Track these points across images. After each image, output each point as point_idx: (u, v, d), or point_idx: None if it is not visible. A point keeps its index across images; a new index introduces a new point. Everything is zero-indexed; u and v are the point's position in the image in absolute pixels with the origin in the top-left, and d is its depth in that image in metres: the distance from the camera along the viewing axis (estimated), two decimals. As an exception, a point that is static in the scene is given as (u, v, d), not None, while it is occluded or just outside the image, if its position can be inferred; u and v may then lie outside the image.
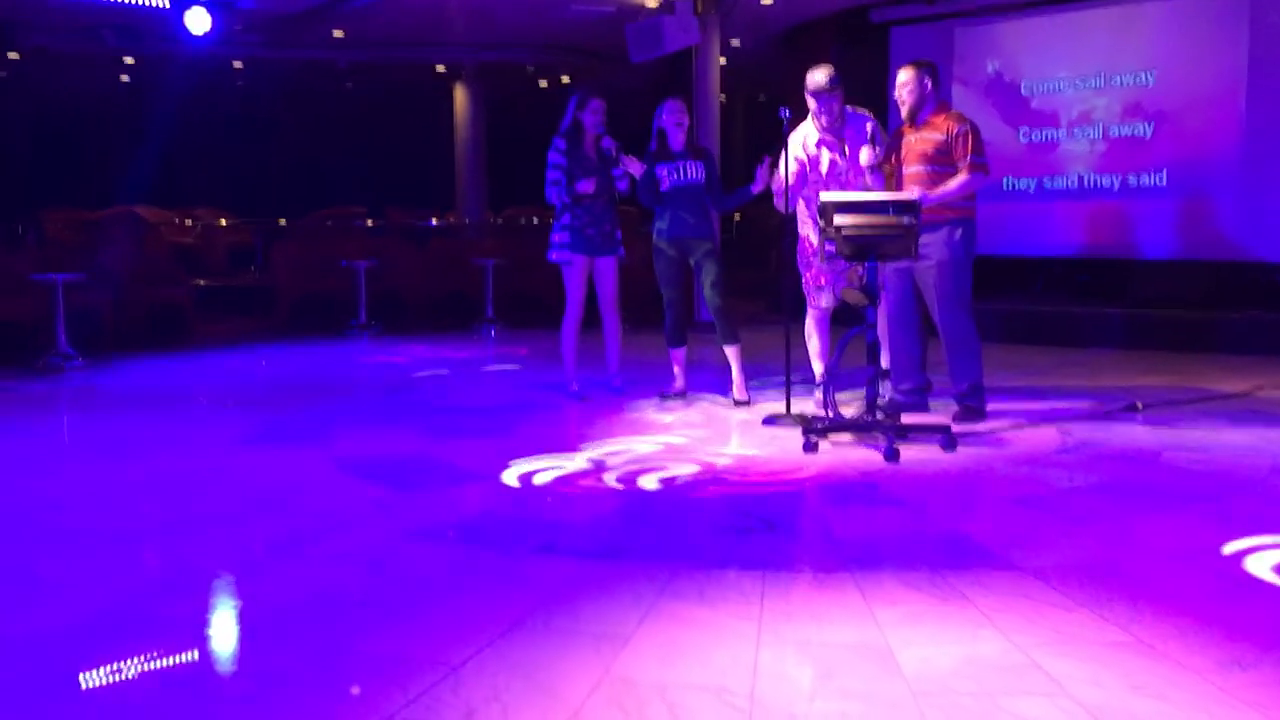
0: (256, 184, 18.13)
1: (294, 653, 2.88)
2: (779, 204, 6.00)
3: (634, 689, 2.60)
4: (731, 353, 6.41)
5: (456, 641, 2.88)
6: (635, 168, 6.33)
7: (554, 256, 6.52)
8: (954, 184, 5.54)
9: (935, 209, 5.55)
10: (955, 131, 5.60)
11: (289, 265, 11.28)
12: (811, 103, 5.91)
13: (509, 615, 3.05)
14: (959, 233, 5.63)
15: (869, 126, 5.92)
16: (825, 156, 5.94)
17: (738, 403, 6.34)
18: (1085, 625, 2.96)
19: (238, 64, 15.31)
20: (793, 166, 5.93)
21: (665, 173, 6.33)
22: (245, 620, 3.19)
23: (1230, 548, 3.58)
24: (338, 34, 12.92)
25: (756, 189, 6.20)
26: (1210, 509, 4.09)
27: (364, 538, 3.92)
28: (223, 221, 15.98)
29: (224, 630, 3.13)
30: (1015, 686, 2.59)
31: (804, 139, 6.00)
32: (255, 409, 6.64)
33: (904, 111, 5.80)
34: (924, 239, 5.52)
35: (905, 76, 5.78)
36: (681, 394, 6.57)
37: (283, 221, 14.72)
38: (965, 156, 5.55)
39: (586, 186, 6.32)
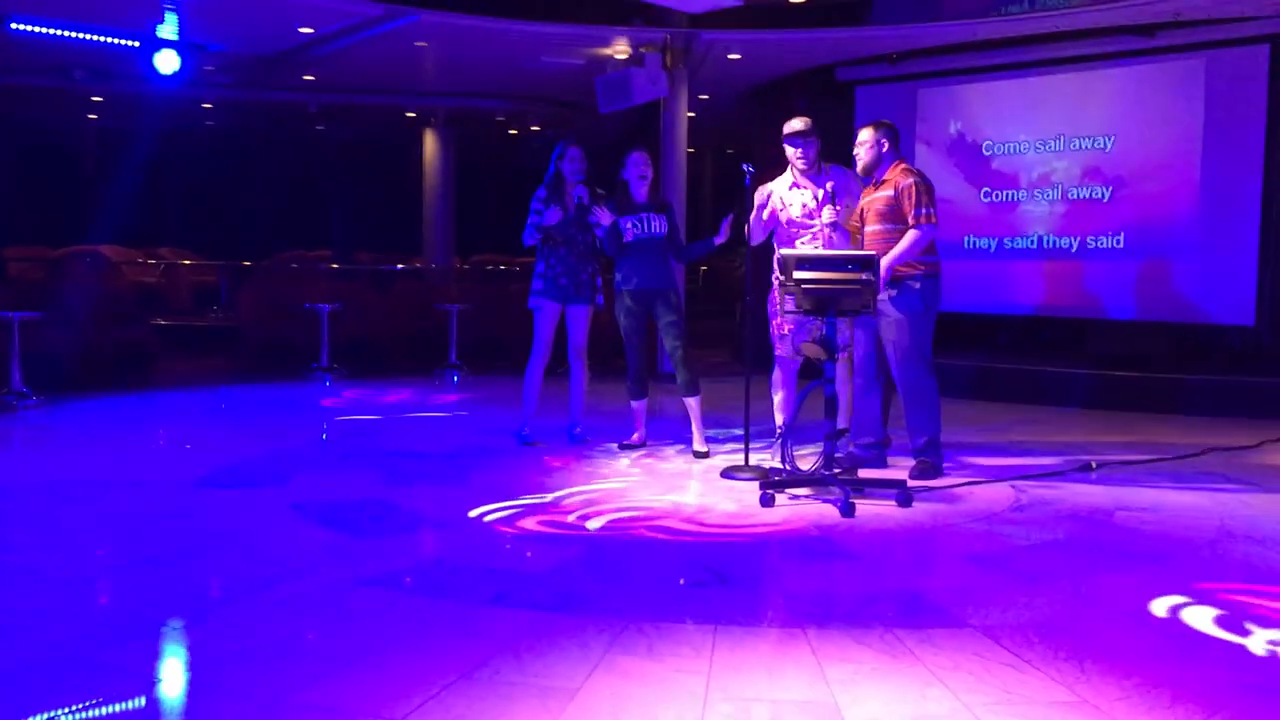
0: (224, 225, 18.06)
1: (231, 703, 2.83)
2: (752, 238, 6.03)
3: (579, 744, 2.58)
4: (691, 404, 6.43)
5: (400, 694, 2.84)
6: (604, 217, 6.37)
7: (530, 302, 6.61)
8: (903, 244, 5.60)
9: (901, 264, 5.62)
10: (901, 186, 5.69)
11: (253, 307, 11.23)
12: (789, 149, 6.00)
13: (456, 667, 3.02)
14: (919, 287, 5.69)
15: (833, 185, 5.94)
16: (798, 200, 6.00)
17: (697, 454, 6.34)
18: (1033, 685, 2.96)
19: (207, 105, 15.32)
20: (768, 209, 6.00)
21: (629, 225, 6.38)
22: (186, 667, 3.13)
23: (1173, 605, 3.61)
24: (308, 78, 12.97)
25: (720, 240, 6.27)
26: (1159, 569, 4.12)
27: (316, 584, 3.88)
28: (187, 262, 15.89)
29: (164, 677, 3.07)
30: (961, 746, 2.59)
31: (779, 187, 6.07)
32: (212, 451, 6.57)
33: (859, 169, 5.91)
34: (885, 294, 5.59)
35: (864, 136, 5.89)
36: (641, 444, 6.57)
37: (248, 263, 14.66)
38: (911, 211, 5.63)
39: (553, 216, 6.39)
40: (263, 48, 11.41)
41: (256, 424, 7.72)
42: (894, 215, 5.70)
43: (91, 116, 16.30)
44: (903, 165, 5.85)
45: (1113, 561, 4.25)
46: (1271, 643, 3.30)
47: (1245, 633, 3.37)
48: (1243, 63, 9.23)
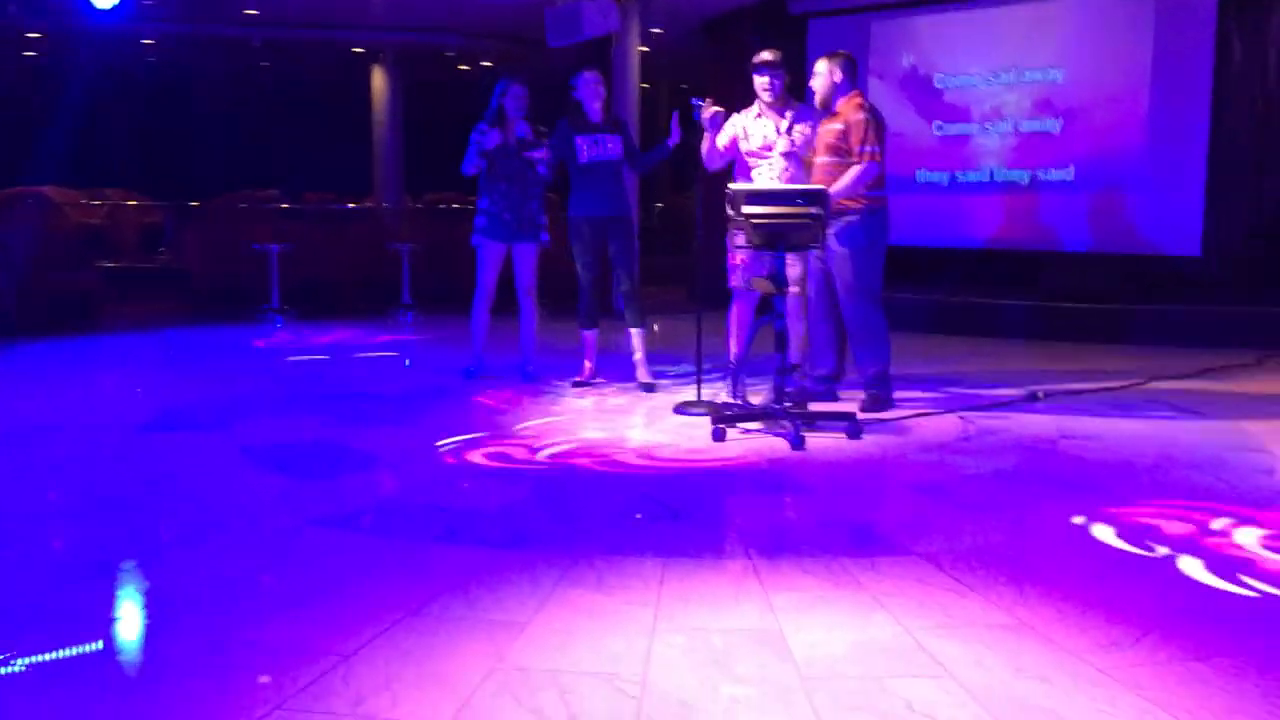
0: (169, 165, 17.68)
1: (184, 642, 2.82)
2: (708, 163, 6.00)
3: (527, 676, 2.60)
4: (636, 336, 6.45)
5: (351, 631, 2.85)
6: (542, 155, 6.36)
7: (473, 239, 6.54)
8: (847, 179, 5.59)
9: (846, 199, 5.63)
10: (851, 120, 5.68)
11: (200, 248, 11.08)
12: (756, 79, 5.95)
13: (405, 604, 3.04)
14: (865, 222, 5.70)
15: (792, 116, 5.93)
16: (759, 131, 5.96)
17: (643, 385, 6.38)
18: (973, 609, 3.03)
19: (148, 41, 14.92)
20: (727, 136, 5.97)
21: (584, 145, 6.33)
22: (138, 609, 3.12)
23: (1111, 529, 3.69)
24: (251, 11, 12.66)
25: (673, 142, 6.23)
26: (1099, 495, 4.20)
27: (265, 526, 3.86)
28: (132, 203, 15.57)
29: (116, 619, 3.06)
30: (902, 669, 2.65)
31: (743, 118, 6.04)
32: (161, 394, 6.50)
33: (816, 101, 5.89)
34: (833, 229, 5.60)
35: (818, 68, 5.87)
36: (592, 380, 6.57)
37: (195, 204, 14.38)
38: (856, 147, 5.62)
39: (493, 139, 6.36)
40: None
41: (206, 367, 7.64)
42: (844, 148, 5.69)
43: (29, 54, 15.84)
44: (857, 99, 5.82)
45: (1055, 489, 4.33)
46: (1202, 564, 3.38)
47: (1178, 553, 3.46)
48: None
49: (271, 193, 15.58)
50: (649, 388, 6.37)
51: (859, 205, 5.69)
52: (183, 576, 3.34)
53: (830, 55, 5.90)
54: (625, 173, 6.51)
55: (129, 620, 3.06)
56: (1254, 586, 3.17)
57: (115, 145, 17.82)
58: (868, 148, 5.61)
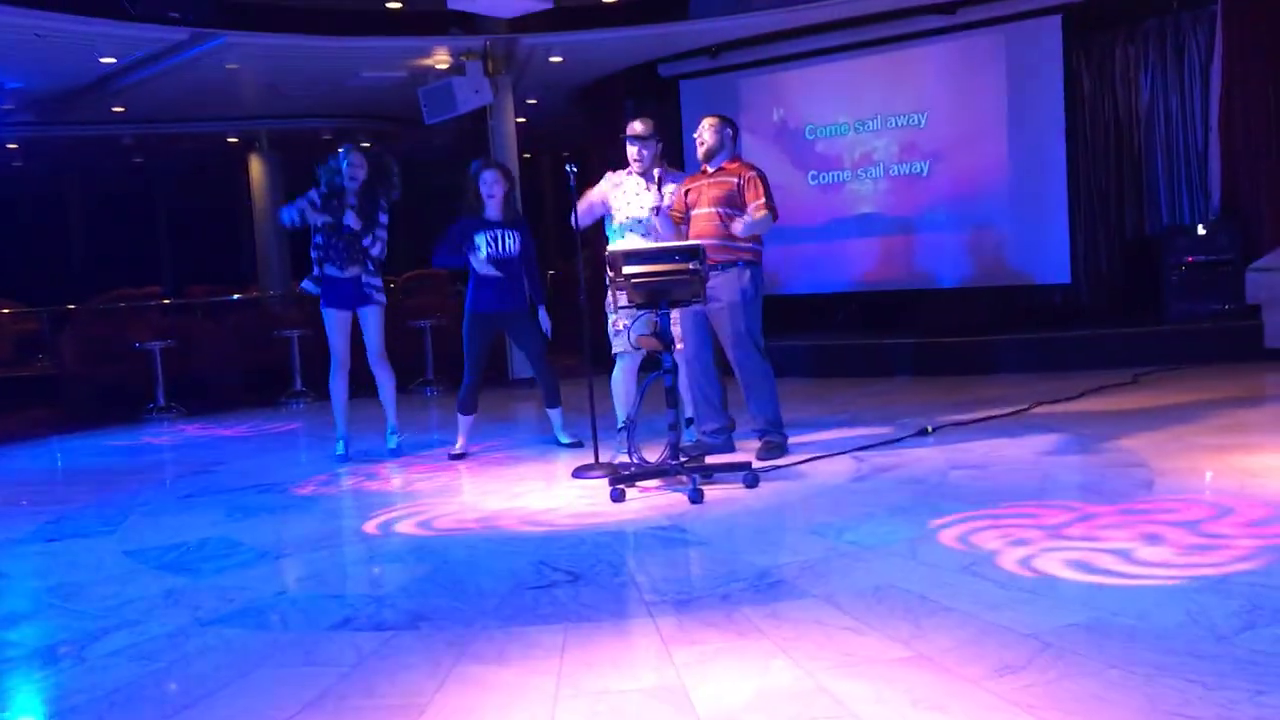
0: (45, 269, 17.23)
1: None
2: (581, 220, 6.06)
3: (427, 759, 2.55)
4: (554, 414, 6.71)
5: (243, 730, 2.77)
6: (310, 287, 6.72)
7: (321, 307, 6.69)
8: (757, 217, 5.69)
9: (724, 251, 5.73)
10: (746, 176, 5.81)
11: (78, 351, 10.73)
12: (629, 148, 6.09)
13: (300, 697, 2.95)
14: (748, 274, 5.81)
15: (659, 174, 6.10)
16: (631, 188, 6.11)
17: (565, 445, 6.61)
18: (872, 645, 3.06)
19: (12, 145, 14.58)
20: (599, 193, 6.13)
21: (485, 242, 6.40)
22: (14, 733, 2.99)
23: (1003, 555, 3.77)
24: (118, 109, 12.46)
25: (545, 323, 6.62)
26: (989, 523, 4.29)
27: (152, 631, 3.73)
28: (6, 310, 15.07)
29: (-10, 746, 2.92)
30: (803, 713, 2.66)
31: (612, 181, 6.15)
32: (43, 504, 6.26)
33: (701, 152, 6.00)
34: (714, 281, 5.68)
35: (709, 121, 6.02)
36: (462, 455, 6.60)
37: (72, 306, 13.99)
38: (756, 199, 5.74)
39: (289, 213, 6.58)
40: (64, 81, 10.90)
41: (89, 472, 7.40)
42: (730, 201, 5.81)
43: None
44: (747, 162, 6.01)
45: (947, 520, 4.40)
46: (1091, 578, 3.47)
47: (1067, 570, 3.55)
48: (1039, 34, 9.68)
49: (152, 289, 15.26)
50: (576, 445, 6.55)
51: (743, 258, 5.80)
52: (67, 691, 3.20)
53: (719, 116, 6.09)
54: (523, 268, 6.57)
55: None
56: (1140, 583, 3.27)
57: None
58: (770, 201, 5.74)
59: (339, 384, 6.68)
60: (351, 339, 6.71)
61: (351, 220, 6.47)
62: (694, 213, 5.93)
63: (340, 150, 6.62)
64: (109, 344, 10.51)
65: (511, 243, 6.47)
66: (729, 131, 5.99)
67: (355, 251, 6.54)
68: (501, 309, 6.52)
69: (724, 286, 5.77)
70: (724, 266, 5.75)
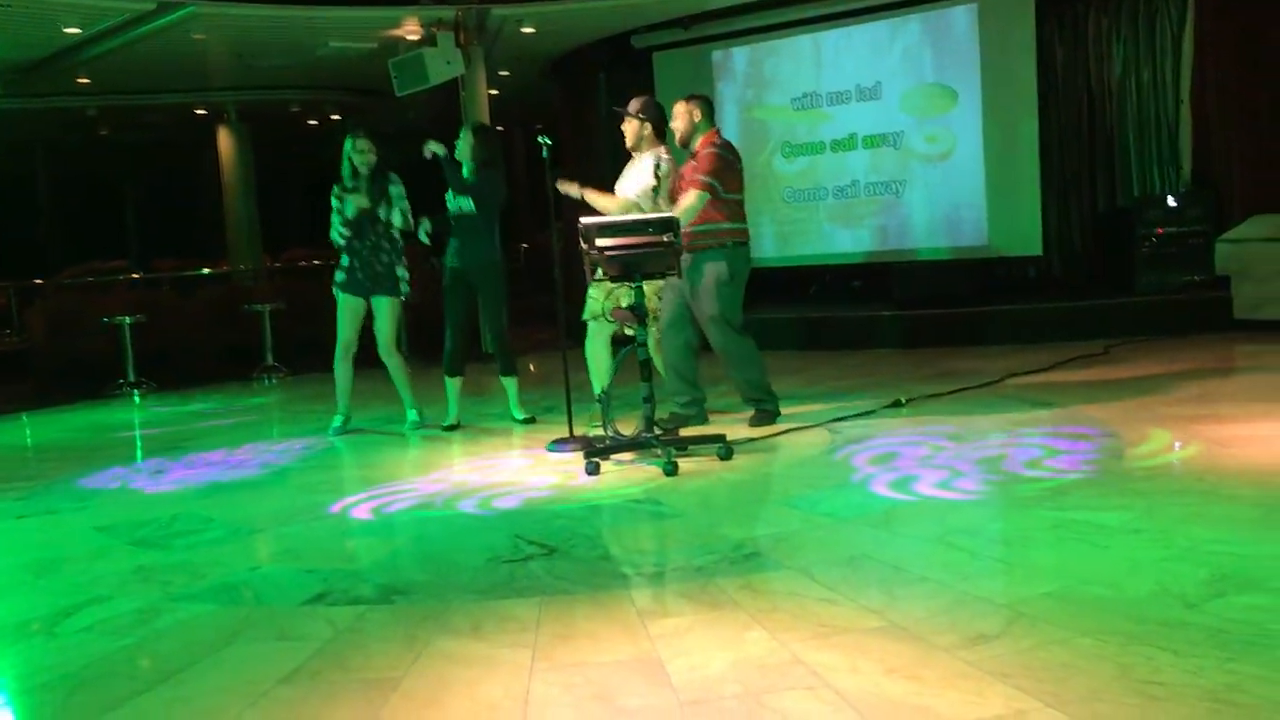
0: (11, 242, 17.00)
1: (37, 740, 2.69)
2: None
3: (402, 733, 2.54)
4: (509, 383, 6.60)
5: (215, 707, 2.75)
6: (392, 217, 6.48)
7: (334, 289, 6.64)
8: (679, 205, 5.66)
9: (706, 237, 5.70)
10: (700, 155, 5.78)
11: (47, 326, 10.63)
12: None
13: (274, 673, 2.94)
14: (727, 255, 5.77)
15: (644, 161, 6.01)
16: (629, 169, 6.09)
17: (518, 421, 6.53)
18: (847, 615, 3.07)
19: (-24, 118, 14.35)
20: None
21: (451, 196, 6.44)
22: (3, 701, 2.96)
23: (974, 524, 3.80)
24: (84, 80, 12.27)
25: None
26: (961, 493, 4.31)
27: (124, 607, 3.70)
28: (-28, 285, 14.89)
29: (-40, 725, 2.89)
30: (779, 683, 2.66)
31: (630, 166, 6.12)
32: (12, 480, 6.20)
33: (677, 141, 5.97)
34: (694, 265, 5.67)
35: (676, 109, 5.97)
36: (455, 426, 6.55)
37: (40, 281, 13.84)
38: (699, 175, 5.71)
39: (350, 207, 6.40)
40: (28, 52, 10.72)
41: (59, 448, 7.33)
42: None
43: None
44: (711, 136, 5.92)
45: (920, 488, 4.42)
46: (1063, 550, 3.50)
47: (1034, 535, 3.57)
48: (1013, 4, 9.67)
49: (120, 263, 15.10)
50: (527, 420, 6.49)
51: (726, 238, 5.77)
52: (40, 667, 3.17)
53: (689, 97, 6.01)
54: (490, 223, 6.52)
55: (-23, 723, 2.90)
56: (1111, 552, 3.30)
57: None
58: (703, 176, 5.69)
59: (343, 368, 6.61)
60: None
61: (363, 201, 6.40)
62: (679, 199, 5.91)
63: (347, 138, 6.52)
64: (78, 319, 10.41)
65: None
66: (695, 114, 5.92)
67: (374, 233, 6.46)
68: (465, 263, 6.47)
69: (703, 268, 5.74)
70: (705, 249, 5.72)
